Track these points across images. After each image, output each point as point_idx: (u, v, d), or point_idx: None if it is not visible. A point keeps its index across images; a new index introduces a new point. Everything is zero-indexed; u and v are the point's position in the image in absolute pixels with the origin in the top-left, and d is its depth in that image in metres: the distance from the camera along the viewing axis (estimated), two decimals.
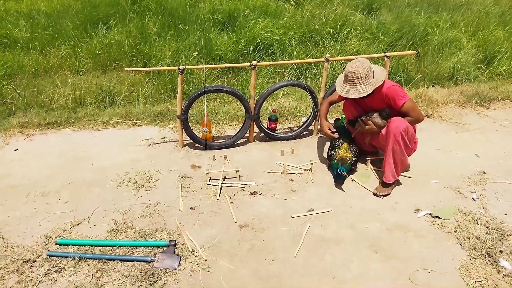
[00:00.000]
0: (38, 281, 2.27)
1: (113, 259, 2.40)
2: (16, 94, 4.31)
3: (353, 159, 3.21)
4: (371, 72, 2.93)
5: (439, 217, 2.81)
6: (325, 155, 3.54)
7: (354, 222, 2.77)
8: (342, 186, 3.13)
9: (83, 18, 5.62)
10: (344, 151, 3.23)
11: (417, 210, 2.89)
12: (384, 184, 3.07)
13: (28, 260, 2.40)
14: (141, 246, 2.51)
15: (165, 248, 2.48)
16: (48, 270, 2.33)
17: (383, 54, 3.70)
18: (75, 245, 2.51)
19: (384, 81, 2.98)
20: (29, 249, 2.49)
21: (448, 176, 3.28)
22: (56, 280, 2.28)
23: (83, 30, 5.42)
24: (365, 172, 3.31)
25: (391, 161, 3.01)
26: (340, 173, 3.08)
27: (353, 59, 3.78)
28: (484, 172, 3.33)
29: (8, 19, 5.79)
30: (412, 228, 2.72)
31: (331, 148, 3.34)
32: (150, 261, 2.39)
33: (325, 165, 3.39)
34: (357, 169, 3.34)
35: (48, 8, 6.20)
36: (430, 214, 2.84)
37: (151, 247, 2.50)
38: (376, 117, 3.06)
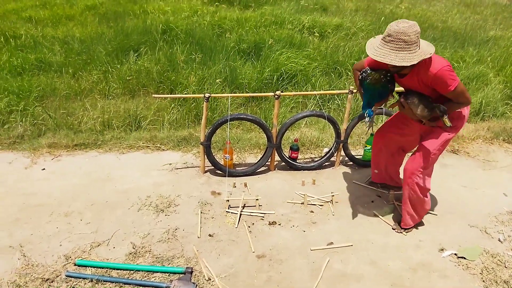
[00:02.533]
0: None
1: (129, 283, 2.40)
2: (46, 116, 4.48)
3: (388, 76, 2.63)
4: (419, 41, 2.40)
5: (464, 258, 2.70)
6: (347, 187, 3.50)
7: (376, 259, 2.69)
8: (362, 220, 3.06)
9: (115, 45, 5.87)
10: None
11: (442, 249, 2.79)
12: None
13: (47, 280, 2.43)
14: (158, 272, 2.50)
15: (181, 275, 2.47)
16: None
17: None
18: (94, 267, 2.52)
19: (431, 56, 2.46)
20: (49, 268, 2.52)
21: (475, 214, 3.17)
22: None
23: (114, 57, 5.64)
24: (388, 208, 3.24)
25: (409, 209, 2.89)
26: (365, 115, 2.70)
27: None
28: None
29: (45, 44, 6.11)
30: (436, 267, 2.62)
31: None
32: None
33: (347, 198, 3.34)
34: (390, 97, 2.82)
35: (82, 34, 6.51)
36: (455, 254, 2.74)
37: (168, 273, 2.49)
38: (417, 104, 2.56)
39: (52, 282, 2.42)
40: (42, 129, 4.33)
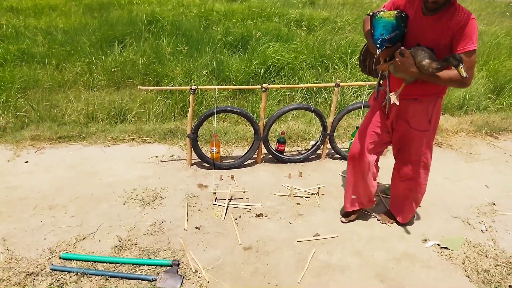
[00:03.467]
0: None
1: (115, 277, 2.38)
2: (29, 107, 4.39)
3: (403, 15, 2.27)
4: None
5: (447, 248, 2.76)
6: (332, 179, 3.53)
7: (361, 250, 2.72)
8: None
9: (100, 36, 5.77)
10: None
11: (425, 240, 2.84)
12: (391, 216, 3.00)
13: (31, 273, 2.39)
14: (144, 264, 2.49)
15: (168, 268, 2.46)
16: (51, 285, 2.32)
17: None
18: (79, 260, 2.50)
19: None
20: (33, 262, 2.48)
21: (457, 206, 3.24)
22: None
23: (99, 48, 5.55)
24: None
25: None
26: (380, 37, 2.23)
27: (364, 85, 3.84)
28: (494, 204, 3.28)
29: (27, 34, 5.98)
30: (419, 258, 2.67)
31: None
32: (153, 280, 2.37)
33: (332, 190, 3.37)
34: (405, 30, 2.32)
35: (65, 25, 6.39)
36: (438, 244, 2.79)
37: (154, 266, 2.48)
38: (425, 55, 2.17)
39: (36, 276, 2.39)
40: (25, 121, 4.25)
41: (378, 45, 2.23)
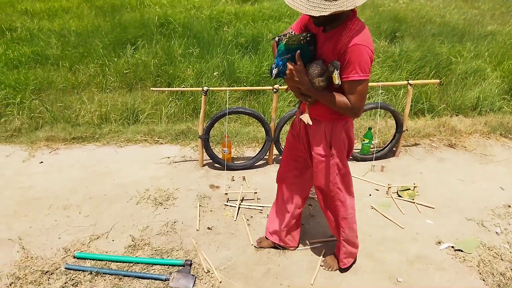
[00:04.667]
0: None
1: (129, 276, 2.41)
2: (44, 109, 4.46)
3: (308, 37, 1.99)
4: None
5: (461, 250, 2.73)
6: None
7: (373, 252, 2.71)
8: (360, 214, 3.08)
9: (112, 38, 5.83)
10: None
11: (439, 242, 2.81)
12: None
13: (46, 272, 2.43)
14: (157, 264, 2.51)
15: (180, 268, 2.48)
16: (65, 283, 2.35)
17: (406, 82, 3.70)
18: (93, 259, 2.53)
19: (354, 14, 1.90)
20: (48, 261, 2.52)
21: (471, 208, 3.19)
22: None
23: (111, 50, 5.61)
24: (386, 201, 3.26)
25: (347, 248, 2.47)
26: (274, 66, 2.04)
27: (376, 86, 3.81)
28: (509, 206, 3.23)
29: (41, 36, 6.07)
30: (433, 260, 2.65)
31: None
32: (165, 280, 2.38)
33: None
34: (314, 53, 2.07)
35: (78, 27, 6.47)
36: (452, 246, 2.76)
37: (167, 265, 2.50)
38: (317, 70, 1.94)
39: (51, 274, 2.42)
40: (40, 122, 4.32)
41: (274, 64, 2.05)
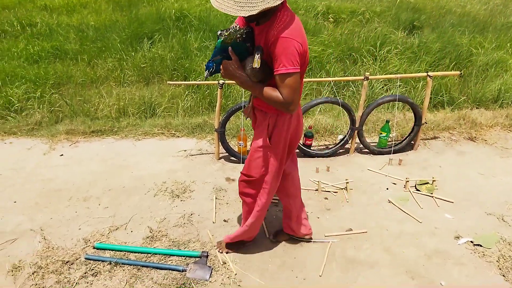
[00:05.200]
0: (75, 283, 2.34)
1: (147, 266, 2.45)
2: (63, 103, 4.54)
3: (244, 34, 1.98)
4: None
5: (480, 245, 2.68)
6: (361, 174, 3.48)
7: (390, 246, 2.68)
8: (377, 208, 3.05)
9: (130, 33, 5.89)
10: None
11: (458, 236, 2.77)
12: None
13: (67, 262, 2.49)
14: (174, 255, 2.54)
15: (197, 259, 2.51)
16: (85, 273, 2.41)
17: (425, 74, 3.63)
18: (112, 250, 2.58)
19: (284, 5, 1.88)
20: (68, 251, 2.58)
21: (492, 202, 3.13)
22: (91, 284, 2.35)
23: (129, 44, 5.67)
24: (403, 195, 3.22)
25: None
26: (208, 65, 2.06)
27: (394, 78, 3.75)
28: None
29: (60, 31, 6.17)
30: (452, 255, 2.61)
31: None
32: (183, 271, 2.42)
33: (361, 185, 3.33)
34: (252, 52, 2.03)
35: (96, 22, 6.55)
36: (471, 241, 2.72)
37: (184, 256, 2.54)
38: (251, 61, 1.95)
39: (72, 264, 2.48)
40: (59, 116, 4.40)
41: (206, 70, 2.08)
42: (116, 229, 2.79)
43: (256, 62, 1.88)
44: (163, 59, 5.28)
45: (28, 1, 7.81)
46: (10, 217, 2.89)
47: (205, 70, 2.08)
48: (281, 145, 2.21)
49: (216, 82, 3.40)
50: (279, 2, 1.78)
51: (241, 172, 2.35)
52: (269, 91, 1.94)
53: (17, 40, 5.92)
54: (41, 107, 4.44)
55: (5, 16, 6.77)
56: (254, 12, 1.76)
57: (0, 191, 3.18)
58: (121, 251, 2.57)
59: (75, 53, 5.57)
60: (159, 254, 2.55)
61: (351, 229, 2.81)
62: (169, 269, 2.43)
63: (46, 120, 4.29)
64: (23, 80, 4.78)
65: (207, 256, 2.52)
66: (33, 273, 2.40)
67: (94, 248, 2.60)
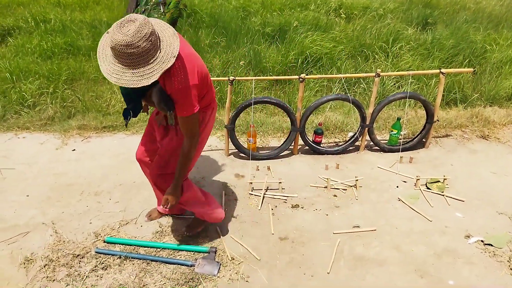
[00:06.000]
0: (85, 276, 2.38)
1: (156, 261, 2.48)
2: (76, 98, 4.60)
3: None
4: (157, 42, 1.84)
5: (491, 245, 2.65)
6: (371, 172, 3.46)
7: (400, 244, 2.66)
8: (387, 206, 3.04)
9: None
10: None
11: (468, 236, 2.74)
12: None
13: (78, 255, 2.53)
14: (183, 250, 2.56)
15: (206, 254, 2.53)
16: (95, 267, 2.44)
17: (438, 71, 3.58)
18: (122, 244, 2.61)
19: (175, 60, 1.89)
20: (79, 245, 2.62)
21: (504, 201, 3.08)
22: (101, 277, 2.39)
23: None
24: (414, 193, 3.19)
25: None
26: (125, 114, 2.28)
27: (406, 75, 3.71)
28: None
29: (73, 28, 6.22)
30: (462, 254, 2.58)
31: None
32: (191, 266, 2.44)
33: (371, 182, 3.31)
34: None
35: (109, 18, 6.59)
36: (482, 241, 2.68)
37: (193, 252, 2.55)
38: (155, 94, 2.08)
39: (82, 258, 2.52)
40: (72, 111, 4.46)
41: (125, 119, 2.30)
42: (126, 223, 2.82)
43: (171, 119, 2.21)
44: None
45: None
46: (23, 211, 2.94)
47: (124, 120, 2.28)
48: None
49: (226, 78, 3.40)
50: (172, 62, 1.85)
51: (156, 173, 2.44)
52: (181, 163, 2.24)
53: (31, 36, 5.98)
54: (53, 102, 4.49)
55: (20, 12, 6.85)
56: (155, 78, 1.82)
57: (14, 185, 3.24)
58: (130, 245, 2.61)
59: (87, 49, 5.61)
60: (169, 249, 2.57)
61: (358, 226, 2.80)
62: (178, 264, 2.46)
63: (58, 116, 4.35)
64: (36, 76, 4.84)
65: (215, 252, 2.53)
66: (44, 266, 2.45)
67: (104, 242, 2.63)
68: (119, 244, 2.62)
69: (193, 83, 2.04)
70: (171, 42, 1.89)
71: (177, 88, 1.98)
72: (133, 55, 1.77)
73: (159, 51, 1.84)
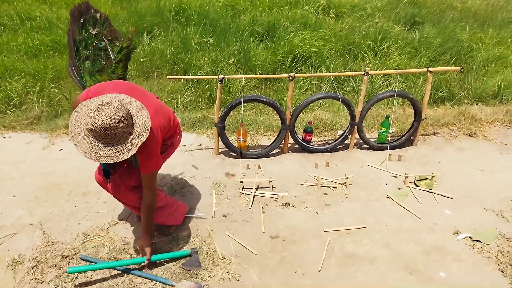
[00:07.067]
0: (74, 277, 2.35)
1: (140, 276, 2.36)
2: (62, 97, 4.53)
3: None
4: (131, 119, 1.98)
5: (479, 241, 2.69)
6: (360, 169, 3.48)
7: (389, 241, 2.69)
8: (376, 203, 3.06)
9: (129, 26, 5.85)
10: None
11: (457, 232, 2.78)
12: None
13: (66, 257, 2.50)
14: (163, 259, 2.46)
15: (187, 258, 2.47)
16: None
17: (426, 69, 3.62)
18: (86, 271, 2.37)
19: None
20: (68, 245, 2.59)
21: (491, 198, 3.13)
22: (91, 278, 2.36)
23: (123, 33, 5.62)
24: (403, 191, 3.22)
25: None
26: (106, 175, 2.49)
27: (395, 73, 3.74)
28: None
29: (60, 25, 6.12)
30: (450, 251, 2.62)
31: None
32: (172, 286, 2.31)
33: (360, 180, 3.33)
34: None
35: None
36: (470, 237, 2.72)
37: (176, 257, 2.48)
38: None
39: (71, 259, 2.49)
40: (59, 110, 4.39)
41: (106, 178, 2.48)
42: (116, 223, 2.79)
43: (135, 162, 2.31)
44: (162, 53, 5.25)
45: None
46: (10, 211, 2.89)
47: (107, 179, 2.46)
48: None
49: (216, 77, 3.39)
50: (147, 133, 1.99)
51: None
52: (146, 216, 2.37)
53: (16, 33, 5.87)
54: (40, 101, 4.42)
55: (4, 9, 6.71)
56: (133, 153, 1.96)
57: (0, 185, 3.18)
58: (96, 270, 2.38)
59: None
60: (142, 276, 2.36)
61: (356, 225, 2.82)
62: (159, 282, 2.33)
63: (45, 115, 4.28)
64: (22, 74, 4.75)
65: (197, 253, 2.50)
66: (32, 267, 2.41)
67: (67, 272, 2.32)
68: (83, 272, 2.37)
69: (156, 144, 2.19)
70: (142, 116, 2.02)
71: (143, 154, 2.14)
72: (112, 135, 1.90)
73: (133, 127, 1.99)
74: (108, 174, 2.46)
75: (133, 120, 2.00)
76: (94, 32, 2.76)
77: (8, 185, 3.18)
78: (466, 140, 4.01)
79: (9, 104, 4.38)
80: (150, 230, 2.45)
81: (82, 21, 2.75)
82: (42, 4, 7.17)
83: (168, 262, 2.47)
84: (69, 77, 2.54)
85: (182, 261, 2.47)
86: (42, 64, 5.00)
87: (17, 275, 2.37)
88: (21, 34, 5.80)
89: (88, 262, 2.45)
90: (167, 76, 4.12)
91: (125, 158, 1.95)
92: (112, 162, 1.94)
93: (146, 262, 2.37)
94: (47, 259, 2.48)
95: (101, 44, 2.78)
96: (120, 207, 2.94)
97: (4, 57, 5.15)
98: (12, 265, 2.43)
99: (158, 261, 2.46)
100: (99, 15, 2.81)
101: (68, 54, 2.56)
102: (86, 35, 2.76)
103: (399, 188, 3.24)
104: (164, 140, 2.45)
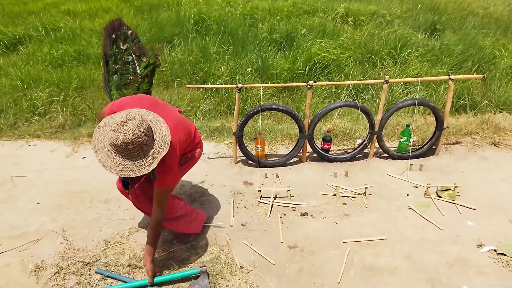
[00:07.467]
0: (95, 284, 2.39)
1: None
2: (86, 106, 4.64)
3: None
4: (151, 133, 2.01)
5: (504, 254, 2.61)
6: (380, 179, 3.43)
7: (411, 253, 2.64)
8: (397, 214, 3.01)
9: (150, 37, 5.97)
10: None
11: (481, 245, 2.70)
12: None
13: (88, 263, 2.54)
14: (173, 279, 2.41)
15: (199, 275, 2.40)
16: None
17: (447, 77, 3.56)
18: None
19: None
20: (89, 252, 2.63)
21: None
22: (111, 285, 2.39)
23: (149, 49, 5.74)
24: (424, 201, 3.16)
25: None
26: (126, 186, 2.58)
27: (415, 81, 3.69)
28: None
29: (83, 36, 6.31)
30: (474, 264, 2.55)
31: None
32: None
33: (380, 190, 3.28)
34: None
35: None
36: (494, 250, 2.65)
37: (186, 276, 2.42)
38: None
39: (92, 266, 2.53)
40: (82, 119, 4.50)
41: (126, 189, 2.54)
42: (136, 231, 2.83)
43: (152, 176, 2.25)
44: (182, 63, 5.34)
45: (52, 7, 8.01)
46: (33, 218, 2.97)
47: (126, 190, 2.53)
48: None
49: (234, 86, 3.41)
50: (167, 147, 2.03)
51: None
52: (152, 232, 2.37)
53: (41, 44, 6.07)
54: (64, 110, 4.54)
55: (31, 21, 6.96)
56: (154, 166, 1.99)
57: (25, 192, 3.27)
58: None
59: (97, 57, 5.67)
60: (160, 281, 2.37)
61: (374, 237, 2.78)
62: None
63: (69, 123, 4.39)
64: (47, 84, 4.90)
65: (206, 272, 2.40)
66: (54, 274, 2.46)
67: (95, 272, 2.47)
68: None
69: (175, 158, 2.23)
70: (162, 130, 2.06)
71: (161, 168, 2.14)
72: (134, 150, 1.94)
73: (154, 141, 2.02)
74: (127, 185, 2.50)
75: (154, 134, 2.03)
76: (124, 48, 2.83)
77: (32, 192, 3.26)
78: (489, 150, 3.91)
79: (34, 113, 4.52)
80: (153, 250, 2.38)
81: (114, 37, 2.82)
82: (66, 16, 7.41)
83: (176, 281, 2.43)
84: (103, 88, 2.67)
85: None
86: (66, 74, 5.14)
87: (40, 280, 2.42)
88: (46, 45, 5.99)
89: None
90: (187, 86, 4.18)
91: (146, 172, 1.98)
92: (133, 176, 1.97)
93: (149, 284, 2.33)
94: (68, 265, 2.53)
95: (128, 58, 2.84)
96: (140, 214, 2.98)
97: (30, 67, 5.33)
98: (35, 271, 2.49)
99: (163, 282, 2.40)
100: (130, 31, 2.87)
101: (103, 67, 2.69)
102: (117, 50, 2.83)
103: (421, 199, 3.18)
104: (185, 153, 2.48)
